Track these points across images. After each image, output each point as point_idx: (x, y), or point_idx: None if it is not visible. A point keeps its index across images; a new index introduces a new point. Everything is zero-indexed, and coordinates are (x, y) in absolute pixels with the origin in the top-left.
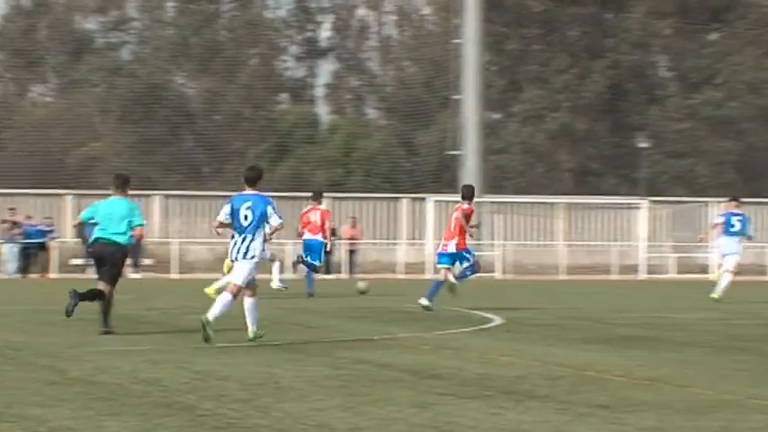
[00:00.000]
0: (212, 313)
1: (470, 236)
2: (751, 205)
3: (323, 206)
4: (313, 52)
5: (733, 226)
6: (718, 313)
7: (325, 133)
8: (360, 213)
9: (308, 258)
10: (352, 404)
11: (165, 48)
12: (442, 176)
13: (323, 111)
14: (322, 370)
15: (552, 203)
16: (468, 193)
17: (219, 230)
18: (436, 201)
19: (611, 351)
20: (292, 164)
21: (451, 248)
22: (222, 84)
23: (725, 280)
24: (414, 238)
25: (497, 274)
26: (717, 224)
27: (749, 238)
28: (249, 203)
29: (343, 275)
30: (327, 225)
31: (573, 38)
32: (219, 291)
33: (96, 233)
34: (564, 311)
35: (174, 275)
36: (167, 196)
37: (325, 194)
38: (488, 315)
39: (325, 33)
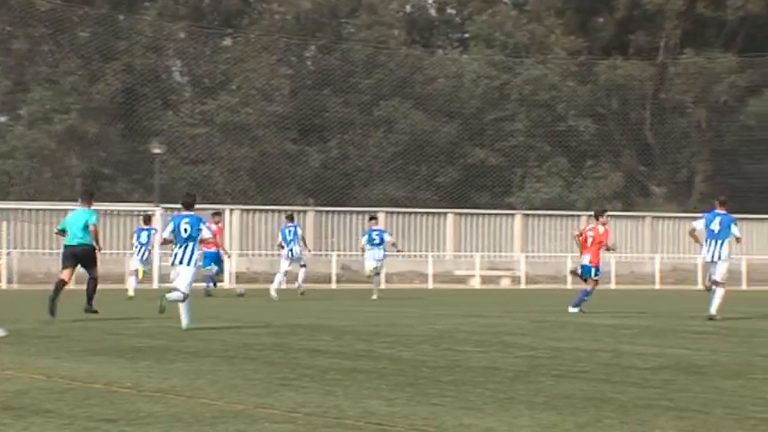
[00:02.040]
0: (171, 296)
1: (613, 249)
2: (267, 213)
3: (217, 225)
4: None
5: (374, 239)
6: (231, 322)
7: None
8: None
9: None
10: None
11: None
12: None
13: None
14: None
15: (62, 210)
16: (599, 213)
17: (164, 244)
18: None
19: (120, 362)
20: None
21: (585, 261)
22: None
23: (377, 284)
24: None
25: (2, 284)
26: (364, 244)
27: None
28: (187, 220)
29: None
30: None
31: (84, 39)
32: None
33: (67, 240)
34: (72, 322)
35: None
36: None
37: None
38: None
39: None
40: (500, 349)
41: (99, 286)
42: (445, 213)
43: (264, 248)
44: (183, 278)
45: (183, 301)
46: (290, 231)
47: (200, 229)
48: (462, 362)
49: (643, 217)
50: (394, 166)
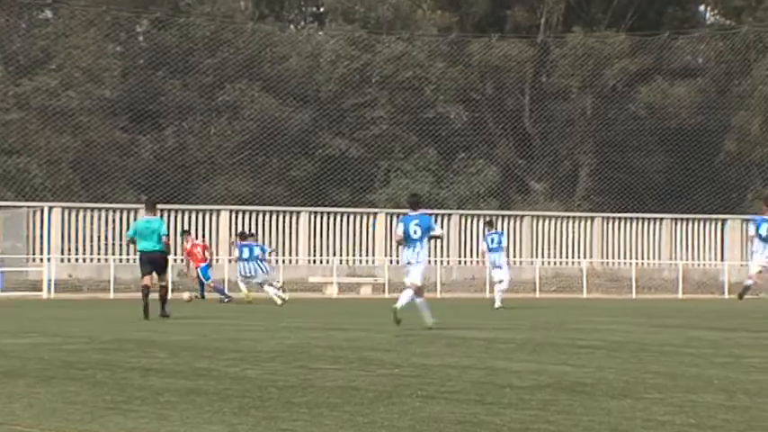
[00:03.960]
0: (400, 302)
1: None
2: (93, 211)
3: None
4: None
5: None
6: (50, 338)
7: None
8: None
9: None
10: None
11: None
12: None
13: None
14: None
15: None
16: None
17: (401, 243)
18: None
19: None
20: None
21: None
22: None
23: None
24: None
25: None
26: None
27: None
28: (416, 221)
29: None
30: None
31: None
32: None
33: (141, 246)
34: None
35: None
36: None
37: None
38: None
39: None
40: (360, 367)
41: None
42: (298, 212)
43: (89, 252)
44: (415, 273)
45: (417, 299)
46: (492, 240)
47: (429, 227)
48: (317, 381)
49: (521, 216)
50: (240, 158)
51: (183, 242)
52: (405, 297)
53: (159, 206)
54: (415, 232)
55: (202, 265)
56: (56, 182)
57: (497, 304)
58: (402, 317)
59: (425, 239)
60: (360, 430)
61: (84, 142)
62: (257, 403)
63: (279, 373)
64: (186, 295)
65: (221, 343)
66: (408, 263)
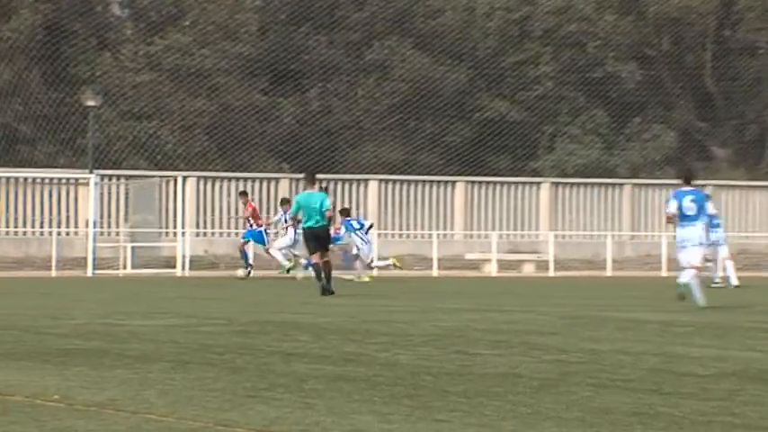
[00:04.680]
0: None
1: None
2: (230, 181)
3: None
4: None
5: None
6: (185, 319)
7: None
8: None
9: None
10: None
11: None
12: None
13: None
14: None
15: None
16: None
17: (671, 221)
18: None
19: (46, 369)
20: None
21: None
22: None
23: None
24: None
25: None
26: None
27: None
28: (692, 197)
29: None
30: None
31: None
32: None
33: (306, 222)
34: None
35: None
36: None
37: None
38: None
39: None
40: (523, 352)
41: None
42: (454, 181)
43: (227, 225)
44: (695, 255)
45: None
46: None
47: (704, 206)
48: (475, 367)
49: (703, 186)
50: (389, 123)
51: (244, 206)
52: (687, 276)
53: (302, 176)
54: (690, 209)
55: (257, 230)
56: (190, 149)
57: (734, 282)
58: (686, 294)
59: (702, 217)
60: (523, 422)
61: (221, 106)
62: (410, 392)
63: (434, 358)
64: (241, 272)
65: (370, 325)
66: (683, 244)
